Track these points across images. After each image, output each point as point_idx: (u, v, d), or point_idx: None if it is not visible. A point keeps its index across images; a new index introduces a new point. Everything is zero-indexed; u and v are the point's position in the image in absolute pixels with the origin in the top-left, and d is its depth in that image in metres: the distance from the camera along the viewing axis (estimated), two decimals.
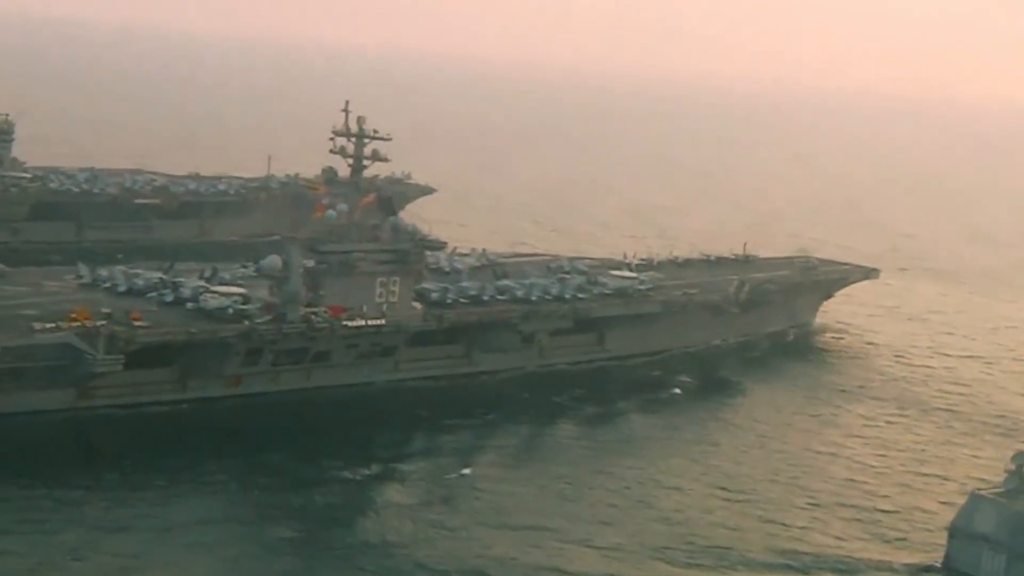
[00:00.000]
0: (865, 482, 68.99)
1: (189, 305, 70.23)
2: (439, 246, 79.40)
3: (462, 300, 79.21)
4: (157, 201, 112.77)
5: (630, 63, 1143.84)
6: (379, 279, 74.15)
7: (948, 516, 63.92)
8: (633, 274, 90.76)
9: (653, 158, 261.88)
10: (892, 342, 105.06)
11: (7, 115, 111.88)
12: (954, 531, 57.15)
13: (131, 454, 62.33)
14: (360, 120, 75.86)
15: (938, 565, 57.56)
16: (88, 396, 65.72)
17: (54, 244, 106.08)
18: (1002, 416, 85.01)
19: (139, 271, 75.38)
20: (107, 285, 73.60)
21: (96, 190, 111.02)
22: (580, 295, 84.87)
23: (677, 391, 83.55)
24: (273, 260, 71.86)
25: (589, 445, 71.97)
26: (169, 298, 71.21)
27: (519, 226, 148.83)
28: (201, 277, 74.78)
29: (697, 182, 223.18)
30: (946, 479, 71.00)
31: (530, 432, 73.48)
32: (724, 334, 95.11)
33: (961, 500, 66.24)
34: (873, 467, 71.74)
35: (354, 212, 73.90)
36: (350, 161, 76.35)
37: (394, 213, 75.83)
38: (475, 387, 79.29)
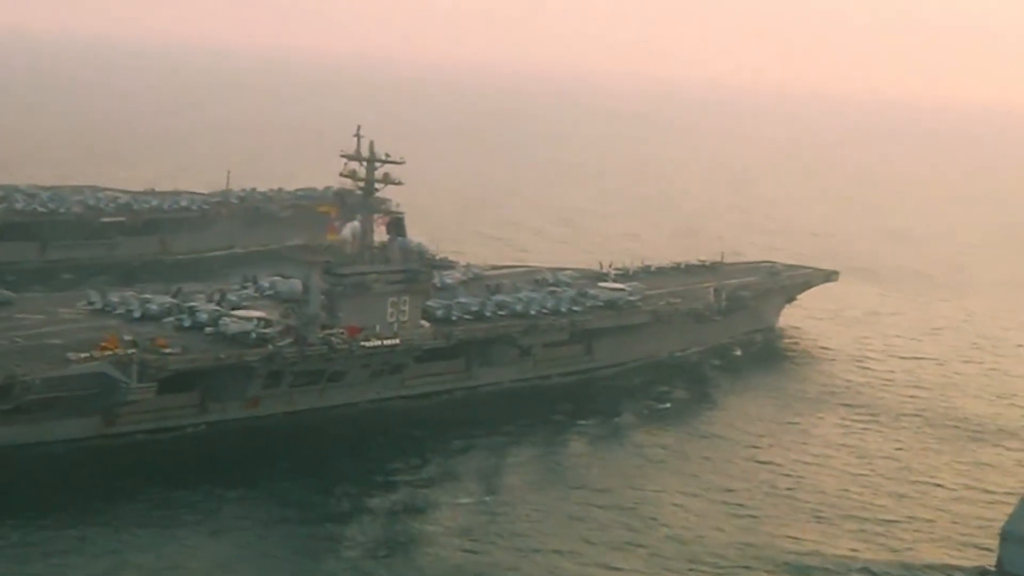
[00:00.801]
0: (860, 492, 70.15)
1: (208, 330, 70.50)
2: (447, 265, 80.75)
3: (465, 316, 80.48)
4: (123, 219, 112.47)
5: (540, 64, 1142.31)
6: (390, 299, 75.32)
7: (949, 520, 66.98)
8: (620, 285, 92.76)
9: (569, 162, 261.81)
10: (846, 346, 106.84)
11: None
12: (1005, 535, 58.18)
13: (156, 483, 62.54)
14: (371, 144, 76.80)
15: (992, 568, 58.99)
16: (113, 423, 66.01)
17: (14, 264, 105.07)
18: (967, 419, 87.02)
19: (149, 296, 75.40)
20: (120, 311, 73.62)
21: (62, 209, 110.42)
22: (575, 308, 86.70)
23: (668, 405, 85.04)
24: (292, 284, 72.53)
25: (590, 463, 72.95)
26: (187, 323, 71.48)
27: (458, 237, 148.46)
28: (210, 300, 75.16)
29: (620, 186, 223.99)
30: (939, 486, 72.63)
31: (534, 452, 74.37)
32: (701, 340, 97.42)
33: (959, 507, 69.39)
34: (864, 476, 73.05)
35: (366, 234, 74.91)
36: (361, 184, 77.25)
37: (404, 234, 76.86)
38: (476, 401, 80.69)
